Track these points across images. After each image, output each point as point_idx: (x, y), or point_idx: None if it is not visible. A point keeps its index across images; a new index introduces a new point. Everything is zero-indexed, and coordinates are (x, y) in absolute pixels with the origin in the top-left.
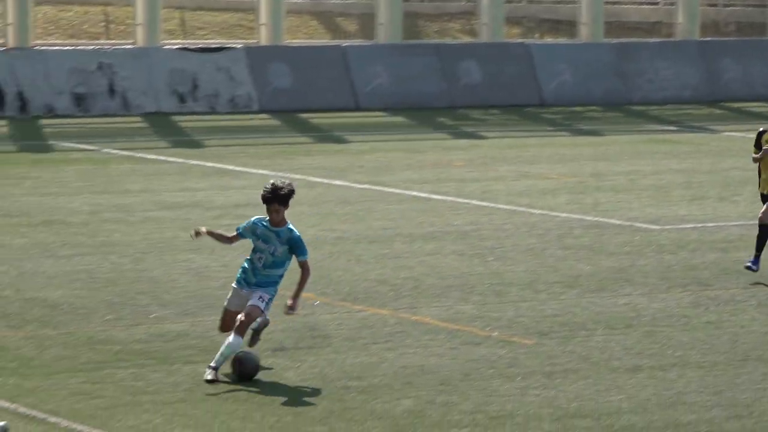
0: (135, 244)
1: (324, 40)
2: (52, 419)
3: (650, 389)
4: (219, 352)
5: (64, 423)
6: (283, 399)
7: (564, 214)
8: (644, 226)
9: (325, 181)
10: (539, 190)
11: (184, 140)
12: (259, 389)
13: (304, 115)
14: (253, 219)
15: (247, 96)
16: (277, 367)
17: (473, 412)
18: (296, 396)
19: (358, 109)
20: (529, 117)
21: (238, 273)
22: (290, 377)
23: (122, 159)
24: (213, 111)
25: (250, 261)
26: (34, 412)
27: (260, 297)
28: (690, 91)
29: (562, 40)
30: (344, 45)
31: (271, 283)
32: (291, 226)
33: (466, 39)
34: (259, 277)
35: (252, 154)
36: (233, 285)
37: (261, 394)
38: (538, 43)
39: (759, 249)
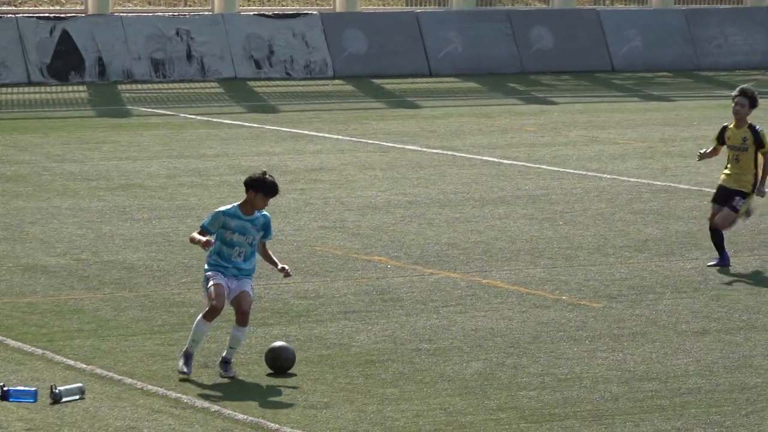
0: (211, 207)
1: (398, 7)
2: (128, 380)
3: (717, 352)
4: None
5: (140, 384)
6: (355, 361)
7: (633, 179)
8: (712, 191)
9: (398, 145)
10: (609, 155)
11: (259, 105)
12: (331, 352)
13: (378, 81)
14: (217, 212)
15: (322, 61)
16: (348, 330)
17: (542, 375)
18: (367, 358)
19: (430, 74)
20: (600, 82)
21: (213, 269)
22: (362, 339)
23: (199, 124)
24: (288, 76)
25: (226, 258)
26: (110, 374)
27: (251, 287)
28: (759, 56)
29: (632, 7)
30: (418, 11)
31: (252, 271)
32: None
33: (538, 5)
34: (242, 271)
35: (326, 119)
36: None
37: (333, 357)
38: (609, 9)
39: (719, 247)
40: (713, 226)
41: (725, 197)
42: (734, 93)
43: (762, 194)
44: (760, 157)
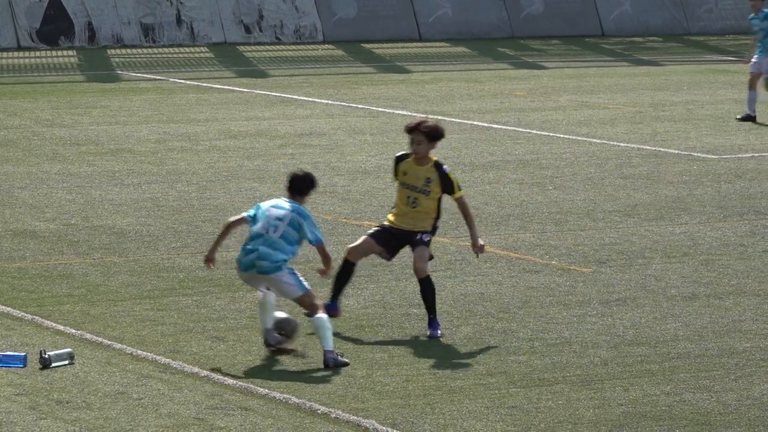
0: (200, 172)
1: None
2: (117, 345)
3: (706, 317)
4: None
5: (129, 349)
6: (344, 326)
7: (623, 144)
8: (702, 155)
9: (388, 110)
10: (598, 120)
11: (249, 70)
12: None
13: (368, 46)
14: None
15: (311, 26)
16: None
17: (531, 339)
18: (357, 323)
19: (420, 39)
20: (589, 47)
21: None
22: (351, 305)
23: (189, 89)
24: (278, 41)
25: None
26: (99, 339)
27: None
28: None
29: None
30: None
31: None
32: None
33: None
34: None
35: (316, 84)
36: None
37: None
38: None
39: (338, 292)
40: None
41: (399, 239)
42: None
43: (480, 251)
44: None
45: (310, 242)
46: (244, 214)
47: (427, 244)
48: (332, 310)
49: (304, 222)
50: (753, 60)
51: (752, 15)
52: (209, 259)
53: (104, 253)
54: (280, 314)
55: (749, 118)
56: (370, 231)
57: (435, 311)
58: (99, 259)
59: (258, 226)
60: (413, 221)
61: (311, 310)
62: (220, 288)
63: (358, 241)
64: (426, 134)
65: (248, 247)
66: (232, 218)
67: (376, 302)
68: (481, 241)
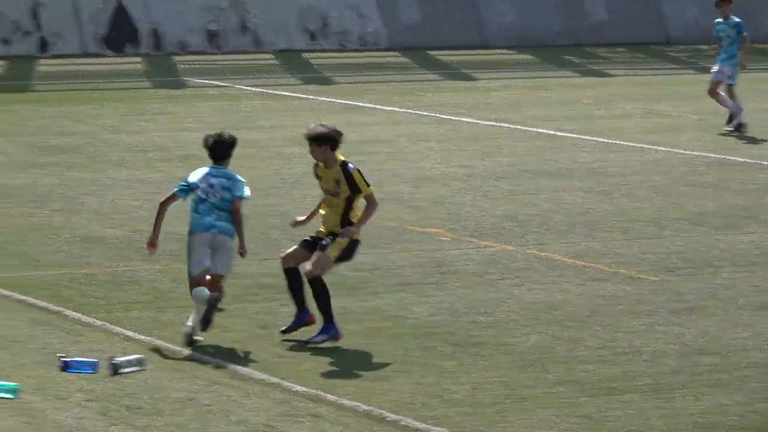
0: (266, 179)
1: None
2: (186, 352)
3: None
4: None
5: (198, 356)
6: (412, 333)
7: (688, 152)
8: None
9: (454, 118)
10: (665, 128)
11: (314, 77)
12: (388, 324)
13: (433, 52)
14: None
15: (376, 33)
16: (405, 302)
17: (600, 348)
18: (424, 330)
19: (485, 46)
20: (655, 55)
21: None
22: (419, 312)
23: (254, 95)
24: (343, 48)
25: None
26: (168, 345)
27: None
28: None
29: None
30: None
31: None
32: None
33: None
34: None
35: (380, 91)
36: None
37: (389, 329)
38: None
39: (299, 302)
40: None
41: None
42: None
43: (348, 234)
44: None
45: (238, 198)
46: (175, 189)
47: (327, 247)
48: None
49: (232, 181)
50: (715, 68)
51: (719, 20)
52: (152, 244)
53: (172, 259)
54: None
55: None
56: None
57: (329, 316)
58: (167, 266)
59: (198, 193)
60: (329, 224)
61: (217, 290)
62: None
63: (289, 250)
64: (312, 139)
65: (201, 210)
66: (164, 198)
67: (444, 310)
68: (354, 230)
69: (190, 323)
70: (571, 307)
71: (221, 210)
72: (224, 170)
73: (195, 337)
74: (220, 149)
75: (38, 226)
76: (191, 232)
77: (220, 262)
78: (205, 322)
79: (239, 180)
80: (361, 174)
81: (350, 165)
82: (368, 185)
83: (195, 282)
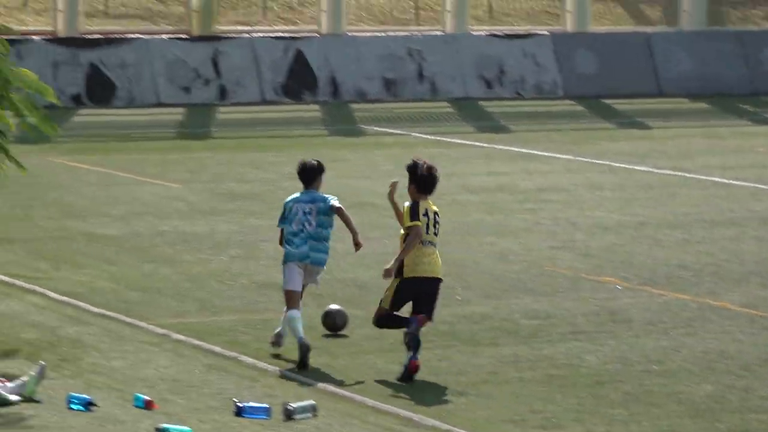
0: (441, 225)
1: (628, 27)
2: (359, 398)
3: None
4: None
5: (370, 402)
6: (584, 381)
7: None
8: None
9: (628, 166)
10: None
11: (490, 125)
12: (560, 371)
13: (608, 101)
14: None
15: (552, 81)
16: (578, 350)
17: None
18: (597, 378)
19: (660, 94)
20: None
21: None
22: (591, 360)
23: (430, 143)
24: (519, 96)
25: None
26: (341, 391)
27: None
28: None
29: None
30: (648, 31)
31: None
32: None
33: None
34: None
35: (556, 139)
36: None
37: (562, 377)
38: None
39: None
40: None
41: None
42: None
43: (386, 277)
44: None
45: (332, 207)
46: (280, 226)
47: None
48: (413, 321)
49: (323, 203)
50: None
51: None
52: None
53: (346, 306)
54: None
55: None
56: None
57: (402, 322)
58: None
59: (293, 226)
60: None
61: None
62: (461, 342)
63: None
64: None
65: (296, 242)
66: (279, 239)
67: (616, 358)
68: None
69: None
70: (743, 357)
71: (315, 240)
72: (314, 193)
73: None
74: (308, 174)
75: (216, 272)
76: (285, 262)
77: (313, 276)
78: (302, 366)
79: (327, 197)
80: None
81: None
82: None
83: (287, 297)
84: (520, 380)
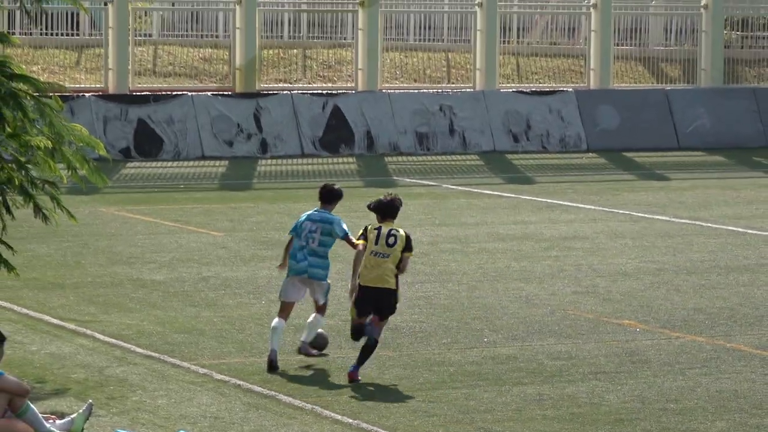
0: (470, 273)
1: (649, 84)
2: None
3: None
4: None
5: None
6: (604, 419)
7: None
8: None
9: (648, 216)
10: None
11: (517, 177)
12: (582, 410)
13: (629, 154)
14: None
15: (576, 136)
16: (599, 390)
17: None
18: (616, 416)
19: (679, 148)
20: None
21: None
22: (611, 399)
23: (460, 194)
24: (544, 150)
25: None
26: (374, 428)
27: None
28: None
29: None
30: (668, 88)
31: None
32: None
33: None
34: None
35: (580, 190)
36: None
37: (584, 415)
38: None
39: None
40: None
41: None
42: None
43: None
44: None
45: (339, 237)
46: (289, 233)
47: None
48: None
49: (332, 225)
50: None
51: None
52: (281, 265)
53: (381, 348)
54: (317, 331)
55: None
56: None
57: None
58: (378, 354)
59: (301, 239)
60: None
61: (321, 312)
62: (487, 382)
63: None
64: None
65: (299, 256)
66: (287, 241)
67: (635, 397)
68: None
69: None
70: (757, 396)
71: (316, 256)
72: (325, 214)
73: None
74: (327, 195)
75: (256, 315)
76: (287, 275)
77: (317, 292)
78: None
79: (337, 219)
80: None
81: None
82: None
83: (280, 306)
84: (544, 418)
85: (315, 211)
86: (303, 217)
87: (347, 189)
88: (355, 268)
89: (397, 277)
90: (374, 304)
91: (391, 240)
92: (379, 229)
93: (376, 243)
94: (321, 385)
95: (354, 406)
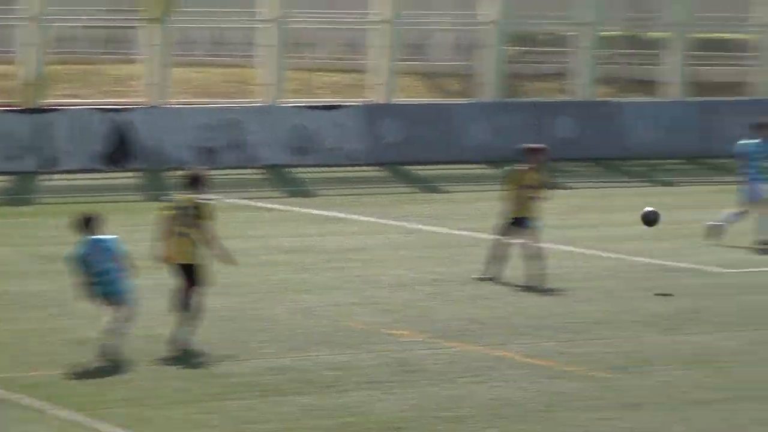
0: (254, 285)
1: (431, 99)
2: None
3: (719, 422)
4: None
5: None
6: (376, 428)
7: (641, 258)
8: (714, 269)
9: (428, 227)
10: (620, 237)
11: (301, 190)
12: (355, 419)
13: (411, 167)
14: None
15: (361, 149)
16: (372, 399)
17: None
18: (389, 425)
19: (461, 161)
20: (614, 168)
21: None
22: (386, 407)
23: (245, 207)
24: (330, 164)
25: None
26: None
27: None
28: None
29: (648, 98)
30: (450, 103)
31: None
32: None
33: (560, 97)
34: None
35: (364, 203)
36: None
37: (356, 424)
38: (627, 101)
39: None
40: None
41: None
42: None
43: None
44: None
45: (119, 257)
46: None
47: None
48: None
49: (114, 247)
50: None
51: (763, 140)
52: None
53: (160, 361)
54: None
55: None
56: None
57: None
58: (153, 365)
59: (90, 263)
60: None
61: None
62: (267, 392)
63: None
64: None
65: (93, 280)
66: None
67: (410, 406)
68: None
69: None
70: (528, 403)
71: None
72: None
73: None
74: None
75: (28, 330)
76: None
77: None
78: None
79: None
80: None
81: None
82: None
83: None
84: (318, 428)
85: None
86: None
87: (128, 204)
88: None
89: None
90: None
91: (189, 220)
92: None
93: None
94: (95, 396)
95: (130, 418)
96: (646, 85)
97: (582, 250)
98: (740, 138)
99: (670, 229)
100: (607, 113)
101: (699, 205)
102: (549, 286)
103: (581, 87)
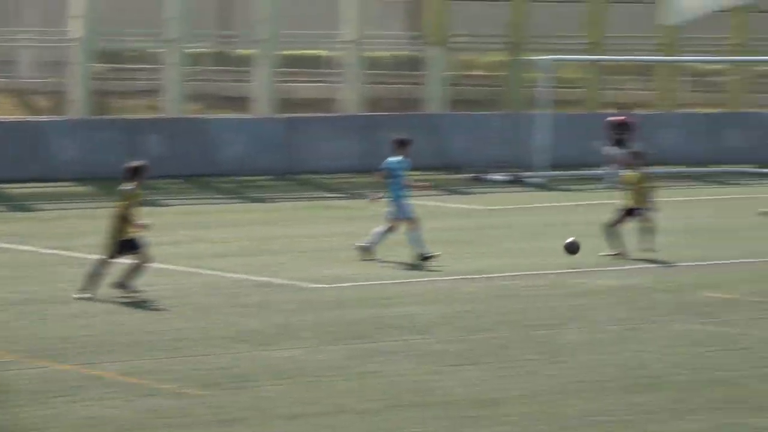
0: None
1: (20, 116)
2: None
3: None
4: None
5: None
6: None
7: (236, 275)
8: (307, 285)
9: (16, 246)
10: (213, 253)
11: None
12: None
13: (1, 185)
14: None
15: None
16: None
17: None
18: None
19: (52, 179)
20: (205, 185)
21: None
22: None
23: None
24: None
25: None
26: None
27: None
28: (347, 160)
29: (236, 115)
30: (39, 120)
31: None
32: None
33: (152, 114)
34: None
35: None
36: None
37: None
38: (215, 118)
39: None
40: None
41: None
42: None
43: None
44: None
45: None
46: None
47: None
48: None
49: None
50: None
51: (403, 158)
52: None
53: None
54: None
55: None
56: None
57: None
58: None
59: None
60: None
61: None
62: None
63: None
64: None
65: None
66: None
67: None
68: None
69: None
70: (120, 422)
71: None
72: None
73: None
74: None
75: None
76: None
77: None
78: None
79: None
80: None
81: None
82: None
83: None
84: None
85: None
86: None
87: None
88: None
89: None
90: None
91: None
92: None
93: None
94: None
95: None
96: (237, 102)
97: (176, 267)
98: (326, 154)
99: (262, 246)
100: (196, 130)
101: (289, 220)
102: (145, 304)
103: (171, 104)
